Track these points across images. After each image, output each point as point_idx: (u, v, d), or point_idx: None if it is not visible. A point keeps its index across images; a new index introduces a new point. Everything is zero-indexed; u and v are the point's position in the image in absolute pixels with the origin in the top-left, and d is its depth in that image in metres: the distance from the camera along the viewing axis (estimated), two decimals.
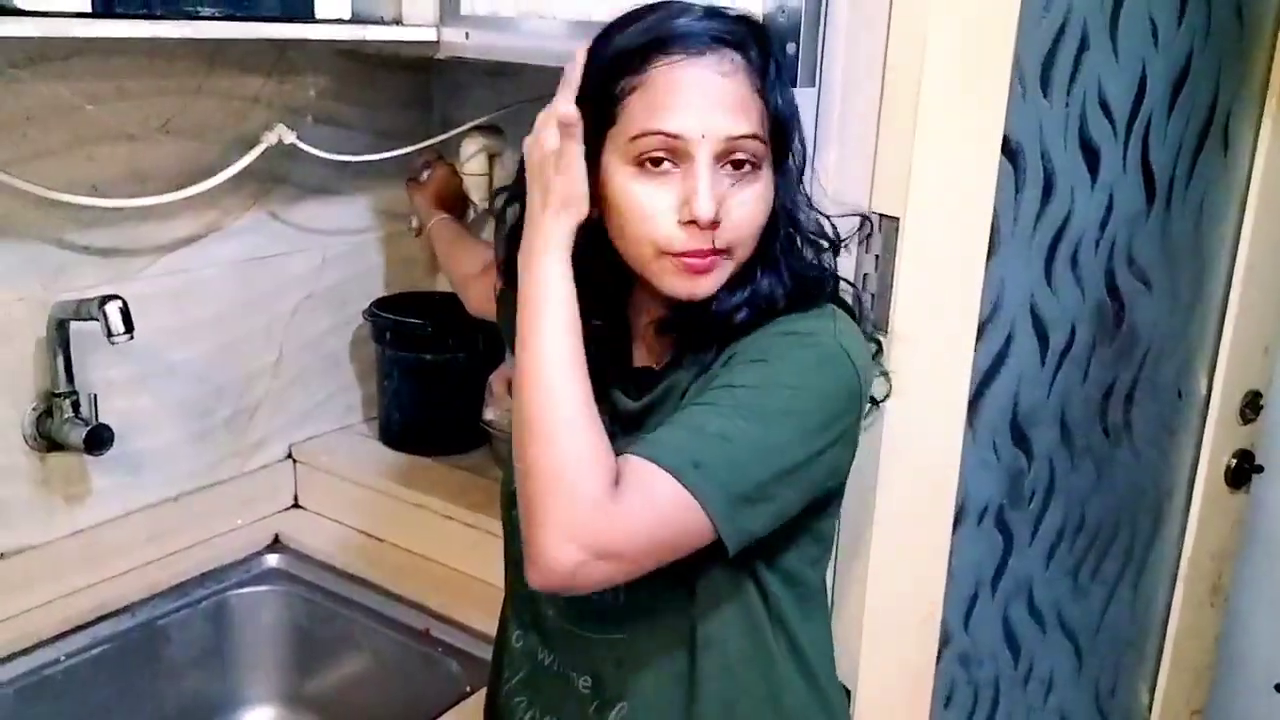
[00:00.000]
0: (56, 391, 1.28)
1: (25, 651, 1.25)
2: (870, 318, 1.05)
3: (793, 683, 0.94)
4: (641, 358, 0.96)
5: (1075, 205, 1.32)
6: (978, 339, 1.21)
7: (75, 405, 1.29)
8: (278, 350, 1.57)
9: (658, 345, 0.94)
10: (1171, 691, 1.85)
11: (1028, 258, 1.30)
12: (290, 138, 1.42)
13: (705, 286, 0.85)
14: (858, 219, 1.03)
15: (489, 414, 1.57)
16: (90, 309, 1.19)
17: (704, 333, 0.89)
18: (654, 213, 0.83)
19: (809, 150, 0.95)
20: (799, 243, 0.92)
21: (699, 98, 0.82)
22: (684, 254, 0.83)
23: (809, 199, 0.94)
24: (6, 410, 1.28)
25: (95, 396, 1.31)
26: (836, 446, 0.86)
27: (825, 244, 0.94)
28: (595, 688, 0.95)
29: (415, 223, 1.60)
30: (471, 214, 1.63)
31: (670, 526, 0.79)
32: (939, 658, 1.32)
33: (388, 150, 1.55)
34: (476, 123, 1.57)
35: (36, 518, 1.33)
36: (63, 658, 1.28)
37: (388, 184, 1.64)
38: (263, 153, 1.40)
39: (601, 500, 0.77)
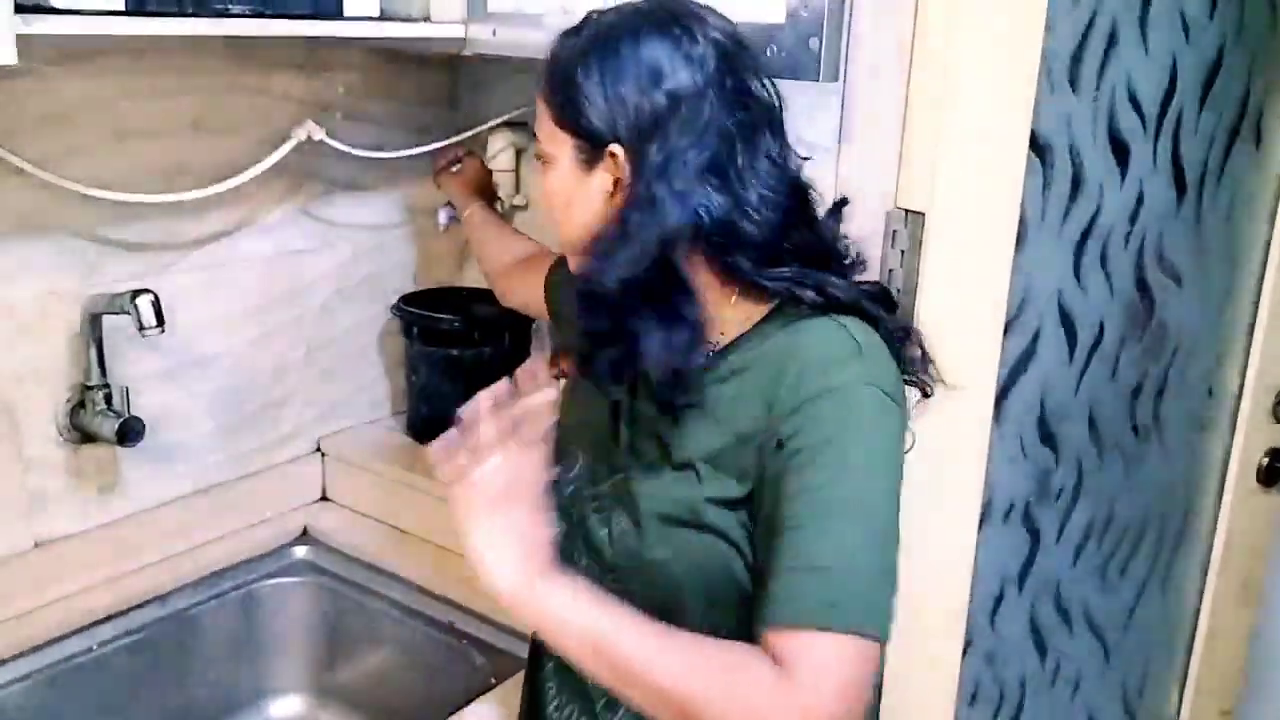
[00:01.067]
0: (89, 384, 1.30)
1: (58, 640, 1.27)
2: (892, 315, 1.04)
3: None
4: None
5: (1104, 201, 1.31)
6: (1005, 335, 1.21)
7: (108, 398, 1.31)
8: (306, 344, 1.58)
9: None
10: (1201, 691, 1.83)
11: (1056, 254, 1.29)
12: (320, 134, 1.43)
13: None
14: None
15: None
16: (122, 303, 1.21)
17: None
18: None
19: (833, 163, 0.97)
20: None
21: None
22: None
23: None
24: (41, 402, 1.30)
25: (127, 389, 1.33)
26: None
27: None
28: None
29: (443, 219, 1.61)
30: (499, 209, 1.63)
31: (852, 670, 0.77)
32: (964, 655, 1.31)
33: (415, 146, 1.56)
34: (503, 119, 1.58)
35: (70, 508, 1.35)
36: (94, 646, 1.30)
37: (416, 180, 1.65)
38: (293, 149, 1.42)
39: (781, 702, 0.75)
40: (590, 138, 0.88)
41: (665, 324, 0.86)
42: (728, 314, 0.91)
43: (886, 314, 0.93)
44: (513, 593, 0.83)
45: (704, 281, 0.89)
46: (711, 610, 0.90)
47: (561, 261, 1.20)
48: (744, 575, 0.89)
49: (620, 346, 0.90)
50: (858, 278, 0.95)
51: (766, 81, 0.90)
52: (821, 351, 0.87)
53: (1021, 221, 1.17)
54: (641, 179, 0.86)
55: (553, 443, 1.01)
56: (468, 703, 1.20)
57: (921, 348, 0.97)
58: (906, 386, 0.93)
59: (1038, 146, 1.18)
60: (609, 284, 0.86)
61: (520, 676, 1.18)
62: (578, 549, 0.98)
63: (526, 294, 1.31)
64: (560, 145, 0.91)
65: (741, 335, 0.92)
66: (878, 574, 0.80)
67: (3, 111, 1.19)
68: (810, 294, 0.88)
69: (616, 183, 0.88)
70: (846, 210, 0.96)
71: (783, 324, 0.90)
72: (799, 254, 0.89)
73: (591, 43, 0.88)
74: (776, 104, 0.91)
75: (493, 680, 1.26)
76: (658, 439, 0.93)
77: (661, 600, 0.89)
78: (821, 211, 0.95)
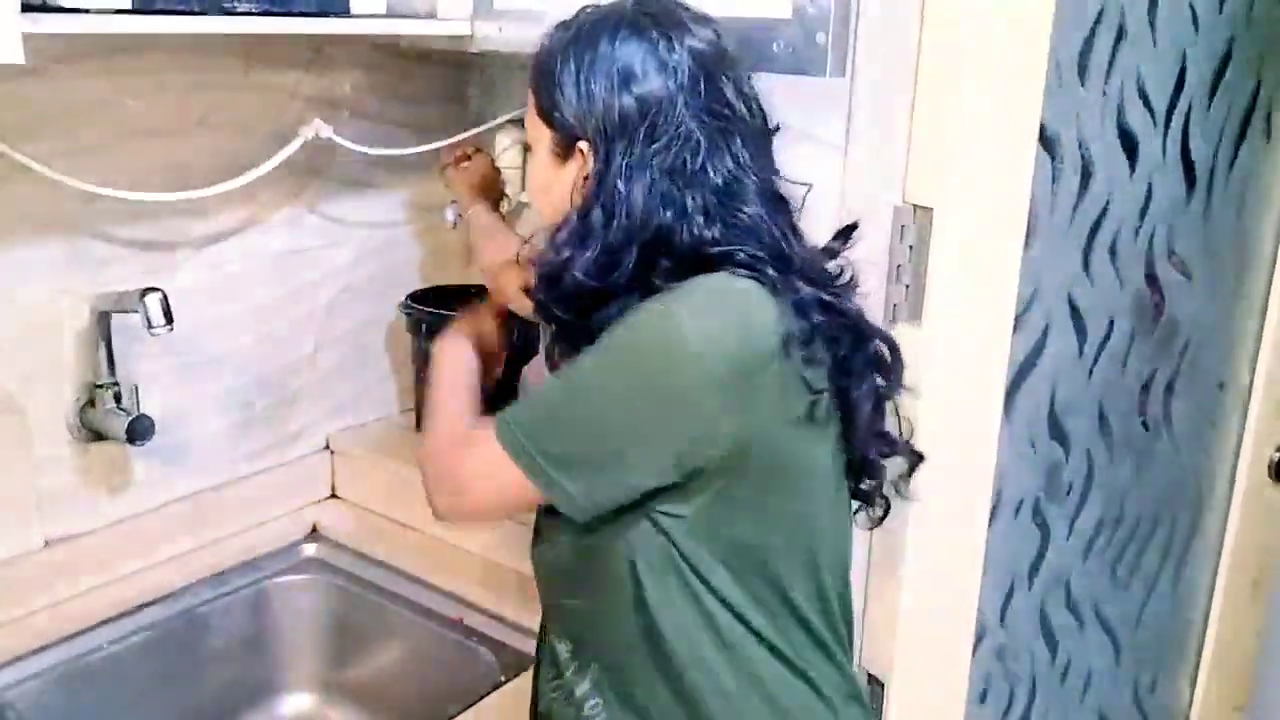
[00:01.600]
0: (99, 382, 1.30)
1: (69, 638, 1.28)
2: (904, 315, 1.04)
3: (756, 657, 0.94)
4: None
5: (1113, 195, 1.31)
6: (1014, 330, 1.20)
7: (117, 396, 1.31)
8: (315, 342, 1.59)
9: None
10: (1213, 687, 1.82)
11: (1065, 248, 1.29)
12: (327, 132, 1.43)
13: None
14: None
15: None
16: (131, 301, 1.21)
17: None
18: None
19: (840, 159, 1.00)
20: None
21: None
22: None
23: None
24: (51, 401, 1.30)
25: (137, 388, 1.33)
26: (677, 411, 0.86)
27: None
28: (572, 653, 1.00)
29: (450, 216, 1.61)
30: (506, 206, 1.63)
31: (490, 475, 0.92)
32: (974, 651, 1.31)
33: (423, 144, 1.56)
34: (511, 116, 1.58)
35: (80, 506, 1.36)
36: (105, 644, 1.30)
37: (423, 178, 1.65)
38: (300, 147, 1.42)
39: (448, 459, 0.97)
40: (563, 130, 0.92)
41: (620, 312, 0.89)
42: None
43: (886, 367, 0.95)
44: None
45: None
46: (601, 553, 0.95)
47: None
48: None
49: (574, 335, 0.94)
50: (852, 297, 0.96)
51: (754, 98, 0.93)
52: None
53: (1030, 216, 1.17)
54: (605, 178, 0.89)
55: None
56: (477, 700, 1.20)
57: (888, 356, 0.96)
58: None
59: (1046, 140, 1.18)
60: (566, 277, 0.90)
61: (528, 678, 1.18)
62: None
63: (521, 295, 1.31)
64: (540, 133, 0.95)
65: None
66: (555, 435, 0.90)
67: (11, 110, 1.19)
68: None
69: (585, 179, 0.91)
70: (853, 206, 0.96)
71: None
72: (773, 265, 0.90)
73: (574, 38, 0.92)
74: (758, 119, 0.93)
75: (502, 678, 1.26)
76: None
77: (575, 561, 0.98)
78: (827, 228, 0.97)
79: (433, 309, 1.60)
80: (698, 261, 0.88)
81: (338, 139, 1.45)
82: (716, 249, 0.89)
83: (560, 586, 1.02)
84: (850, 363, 0.92)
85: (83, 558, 1.35)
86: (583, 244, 0.89)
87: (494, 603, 1.39)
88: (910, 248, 1.07)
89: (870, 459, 0.97)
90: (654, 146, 0.88)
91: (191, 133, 1.37)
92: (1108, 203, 1.30)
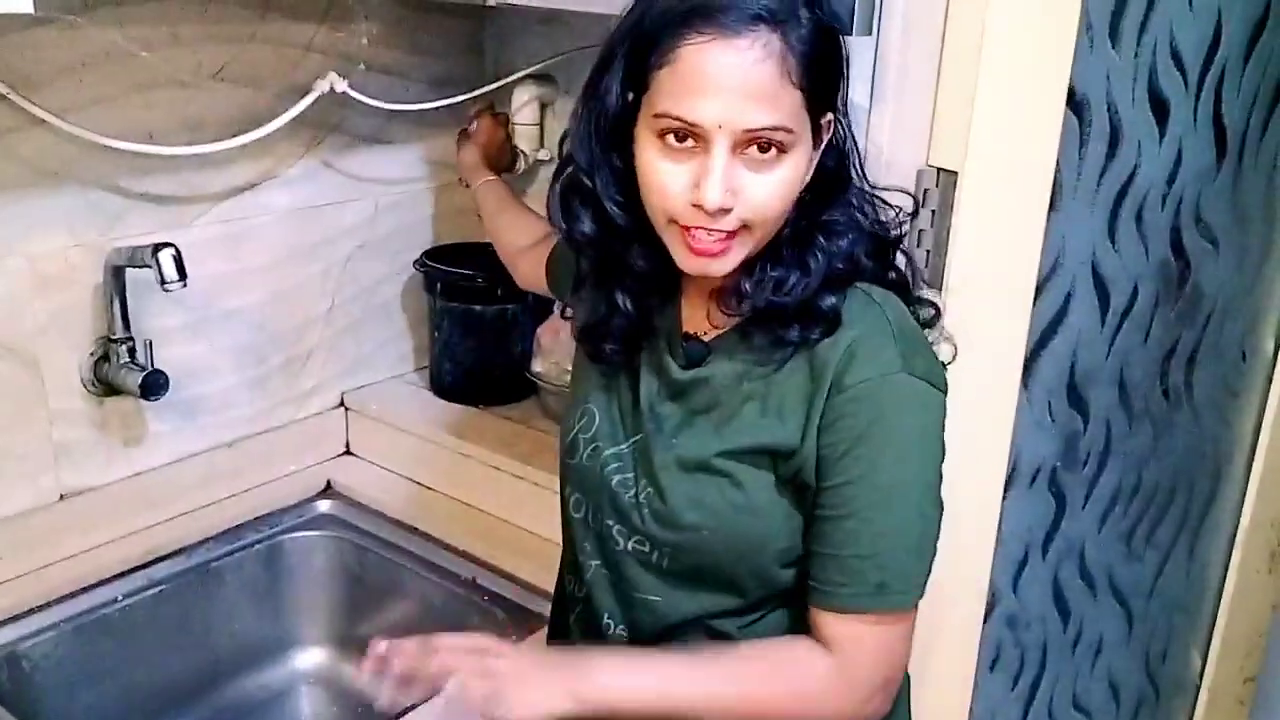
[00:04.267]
0: (113, 337, 1.30)
1: (84, 590, 1.28)
2: (923, 279, 1.02)
3: None
4: (691, 321, 0.95)
5: (1142, 160, 1.28)
6: (1036, 297, 1.19)
7: (131, 351, 1.31)
8: (330, 299, 1.58)
9: (703, 311, 0.93)
10: (1224, 658, 1.82)
11: (1090, 214, 1.26)
12: (342, 85, 1.42)
13: (716, 268, 0.85)
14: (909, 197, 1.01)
15: (537, 365, 1.57)
16: (144, 256, 1.20)
17: (765, 328, 0.89)
18: (669, 188, 0.82)
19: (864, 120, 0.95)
20: (842, 222, 0.89)
21: (723, 87, 0.78)
22: (691, 228, 0.83)
23: (858, 175, 0.91)
24: (65, 355, 1.30)
25: (150, 342, 1.33)
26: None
27: (871, 221, 0.92)
28: (629, 633, 0.98)
29: None
30: (523, 165, 1.62)
31: (896, 643, 0.88)
32: (986, 619, 1.30)
33: (440, 98, 1.54)
34: (528, 71, 1.56)
35: (96, 460, 1.36)
36: (120, 597, 1.31)
37: (440, 133, 1.63)
38: (315, 101, 1.40)
39: (837, 686, 0.87)
40: (821, 102, 0.84)
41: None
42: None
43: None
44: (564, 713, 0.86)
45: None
46: (741, 566, 0.91)
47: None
48: (774, 535, 0.90)
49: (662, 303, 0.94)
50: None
51: None
52: (862, 333, 0.86)
53: (1056, 181, 1.15)
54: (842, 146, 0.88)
55: (571, 401, 1.03)
56: None
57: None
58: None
59: (1075, 103, 1.15)
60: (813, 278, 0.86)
61: (543, 634, 1.19)
62: (604, 510, 0.97)
63: (539, 276, 1.27)
64: (806, 125, 0.83)
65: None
66: (915, 553, 0.87)
67: (24, 61, 1.18)
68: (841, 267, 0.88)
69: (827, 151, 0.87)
70: (876, 168, 0.94)
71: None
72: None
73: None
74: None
75: (514, 637, 1.26)
76: (676, 400, 0.93)
77: (693, 561, 0.92)
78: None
79: (449, 267, 1.59)
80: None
81: (353, 92, 1.43)
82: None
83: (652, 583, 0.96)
84: None
85: (98, 511, 1.35)
86: (806, 249, 0.87)
87: (506, 562, 1.39)
88: (933, 212, 1.05)
89: None
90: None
91: (206, 85, 1.35)
92: (1135, 168, 1.28)
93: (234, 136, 1.34)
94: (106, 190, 1.30)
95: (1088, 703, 1.65)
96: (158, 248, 1.20)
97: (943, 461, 0.88)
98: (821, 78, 0.82)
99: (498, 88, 1.58)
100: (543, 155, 1.63)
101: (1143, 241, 1.34)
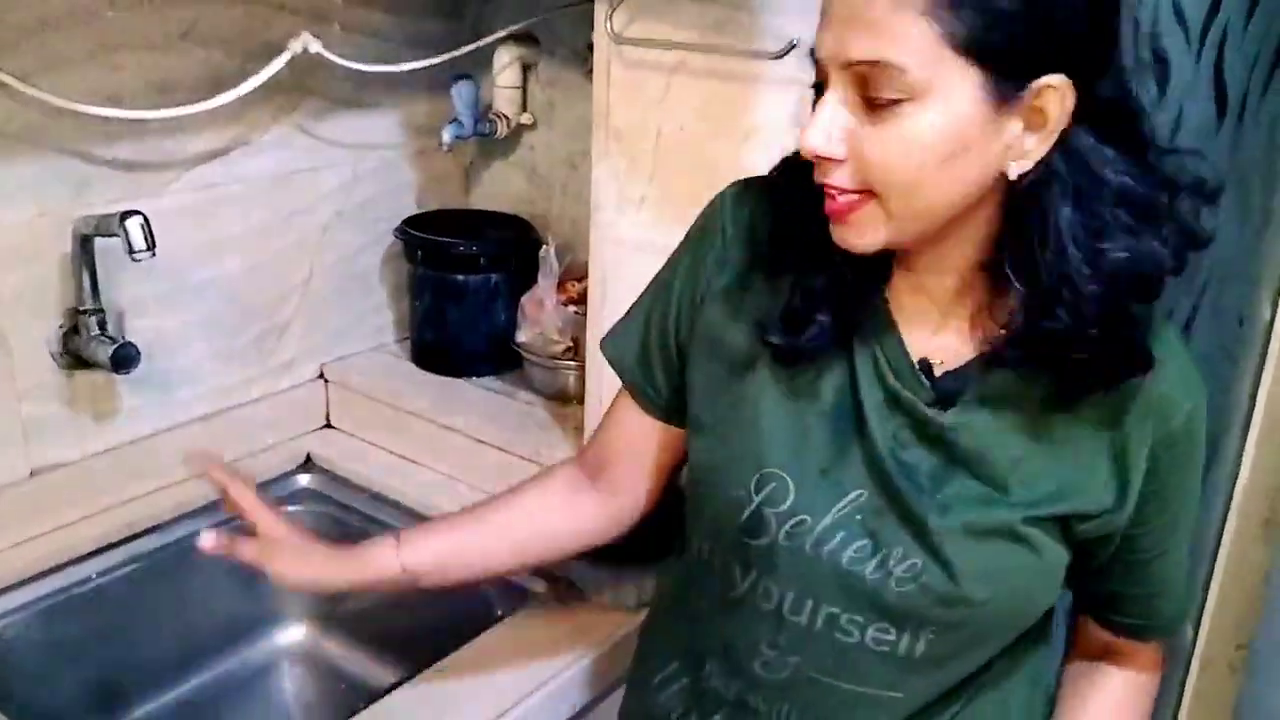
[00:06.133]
0: (82, 309, 1.26)
1: (57, 569, 1.25)
2: None
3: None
4: (917, 339, 0.78)
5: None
6: None
7: (102, 323, 1.27)
8: (308, 268, 1.54)
9: (927, 330, 0.78)
10: (1217, 625, 1.81)
11: None
12: (315, 46, 1.37)
13: (848, 237, 0.72)
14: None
15: (522, 336, 1.53)
16: (111, 225, 1.17)
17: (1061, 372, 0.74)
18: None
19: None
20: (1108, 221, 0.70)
21: (835, 15, 0.68)
22: (826, 191, 0.72)
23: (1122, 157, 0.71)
24: (34, 327, 1.26)
25: (122, 314, 1.30)
26: None
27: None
28: None
29: (447, 137, 1.55)
30: (504, 129, 1.58)
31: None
32: None
33: (418, 60, 1.50)
34: (509, 30, 1.51)
35: (67, 435, 1.32)
36: (94, 575, 1.27)
37: (419, 97, 1.59)
38: (288, 63, 1.36)
39: (1153, 689, 0.94)
40: (1013, 60, 0.66)
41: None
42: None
43: None
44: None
45: None
46: (1006, 636, 0.83)
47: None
48: (1053, 594, 0.82)
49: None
50: None
51: None
52: (1179, 369, 0.78)
53: None
54: (1086, 138, 0.68)
55: (709, 454, 0.85)
56: (474, 635, 1.18)
57: None
58: None
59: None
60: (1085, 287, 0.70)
61: (527, 614, 1.16)
62: (823, 598, 0.79)
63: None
64: (951, 74, 0.66)
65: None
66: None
67: None
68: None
69: (1043, 134, 0.68)
70: None
71: None
72: None
73: None
74: None
75: (499, 613, 1.23)
76: (936, 445, 0.77)
77: (959, 641, 0.80)
78: None
79: (430, 235, 1.55)
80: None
81: (327, 53, 1.39)
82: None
83: (880, 674, 0.81)
84: None
85: (70, 488, 1.32)
86: (1102, 238, 0.69)
87: None
88: None
89: None
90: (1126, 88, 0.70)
91: (175, 46, 1.31)
92: None
93: (204, 100, 1.30)
94: (73, 157, 1.25)
95: None
96: (125, 215, 1.16)
97: None
98: (993, 18, 0.65)
99: (477, 48, 1.53)
100: (525, 119, 1.59)
101: None
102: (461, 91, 1.54)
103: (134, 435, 1.39)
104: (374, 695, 1.08)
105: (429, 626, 1.34)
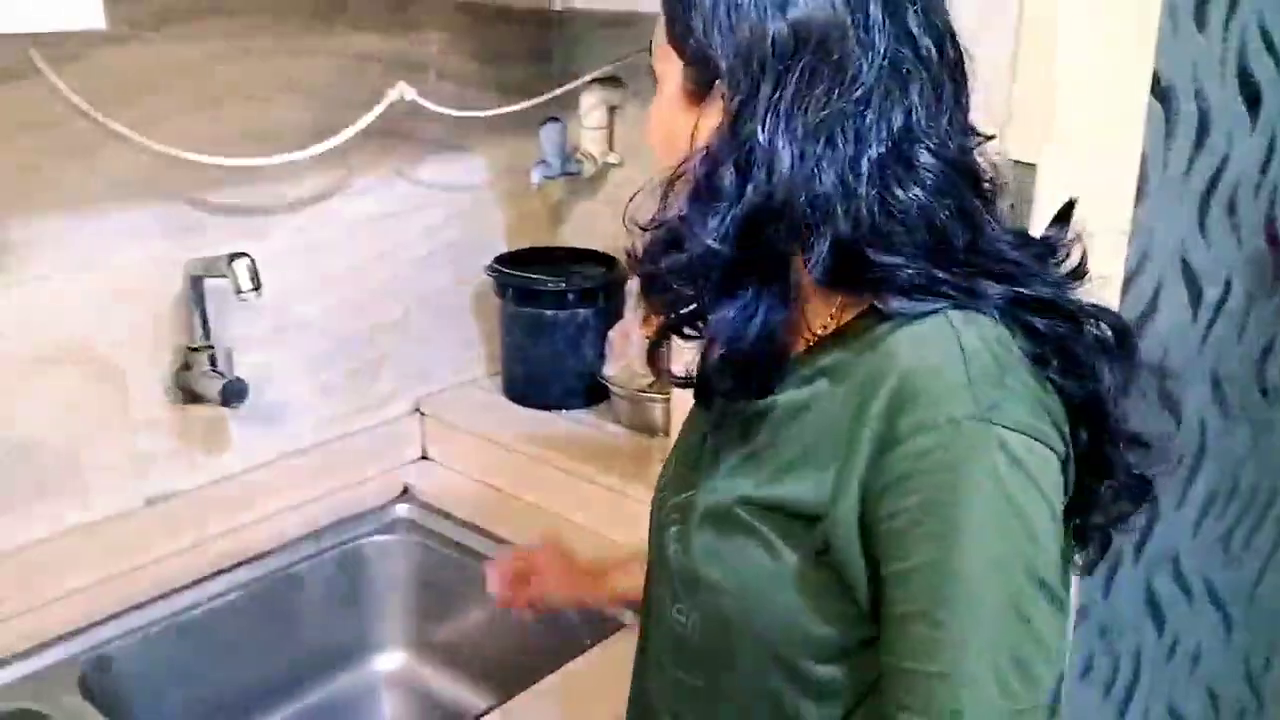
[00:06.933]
0: (194, 346, 1.33)
1: (168, 594, 1.31)
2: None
3: None
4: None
5: (1233, 148, 1.23)
6: (1123, 294, 1.14)
7: (212, 359, 1.34)
8: (404, 306, 1.59)
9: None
10: None
11: (1179, 206, 1.21)
12: (411, 94, 1.43)
13: None
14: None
15: (609, 369, 1.56)
16: (220, 266, 1.23)
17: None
18: None
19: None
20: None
21: None
22: None
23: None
24: (148, 364, 1.33)
25: (230, 351, 1.35)
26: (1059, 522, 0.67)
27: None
28: None
29: (536, 177, 1.59)
30: (590, 169, 1.61)
31: None
32: (1075, 628, 1.26)
33: (508, 105, 1.55)
34: (596, 75, 1.55)
35: (179, 466, 1.39)
36: (204, 600, 1.33)
37: (509, 138, 1.64)
38: (386, 110, 1.42)
39: None
40: (699, 63, 0.72)
41: (742, 308, 0.72)
42: (820, 304, 0.75)
43: (1113, 354, 0.71)
44: None
45: (799, 264, 0.71)
46: (763, 664, 0.75)
47: None
48: (807, 615, 0.72)
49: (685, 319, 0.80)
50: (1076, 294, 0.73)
51: (947, 33, 0.72)
52: (922, 367, 0.67)
53: (1142, 172, 1.10)
54: (743, 126, 0.69)
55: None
56: (564, 663, 1.20)
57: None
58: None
59: (1160, 91, 1.11)
60: (687, 243, 0.71)
61: (616, 642, 1.18)
62: (658, 570, 0.85)
63: None
64: (669, 65, 0.75)
65: (837, 330, 0.74)
66: (1011, 673, 0.64)
67: (102, 77, 1.21)
68: (909, 280, 0.69)
69: (721, 125, 0.71)
70: None
71: (893, 323, 0.70)
72: (964, 260, 0.70)
73: None
74: (948, 63, 0.71)
75: (588, 641, 1.25)
76: (740, 439, 0.78)
77: (713, 639, 0.78)
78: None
79: (520, 272, 1.59)
80: (849, 261, 0.69)
81: (421, 100, 1.44)
82: (885, 250, 0.68)
83: (686, 656, 0.82)
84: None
85: (182, 516, 1.38)
86: (707, 206, 0.70)
87: None
88: (1011, 206, 1.01)
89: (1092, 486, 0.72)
90: (814, 92, 0.67)
91: (277, 98, 1.38)
92: (1226, 157, 1.22)
93: (305, 148, 1.36)
94: (184, 202, 1.32)
95: (1185, 712, 1.59)
96: (233, 257, 1.22)
97: (1059, 539, 0.67)
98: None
99: (565, 92, 1.57)
100: (612, 159, 1.62)
101: (1235, 233, 1.28)
102: (549, 133, 1.59)
103: (241, 466, 1.45)
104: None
105: (521, 654, 1.37)
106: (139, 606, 1.29)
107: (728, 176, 0.69)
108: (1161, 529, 1.38)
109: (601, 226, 1.71)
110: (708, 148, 0.71)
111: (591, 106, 1.57)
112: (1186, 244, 1.24)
